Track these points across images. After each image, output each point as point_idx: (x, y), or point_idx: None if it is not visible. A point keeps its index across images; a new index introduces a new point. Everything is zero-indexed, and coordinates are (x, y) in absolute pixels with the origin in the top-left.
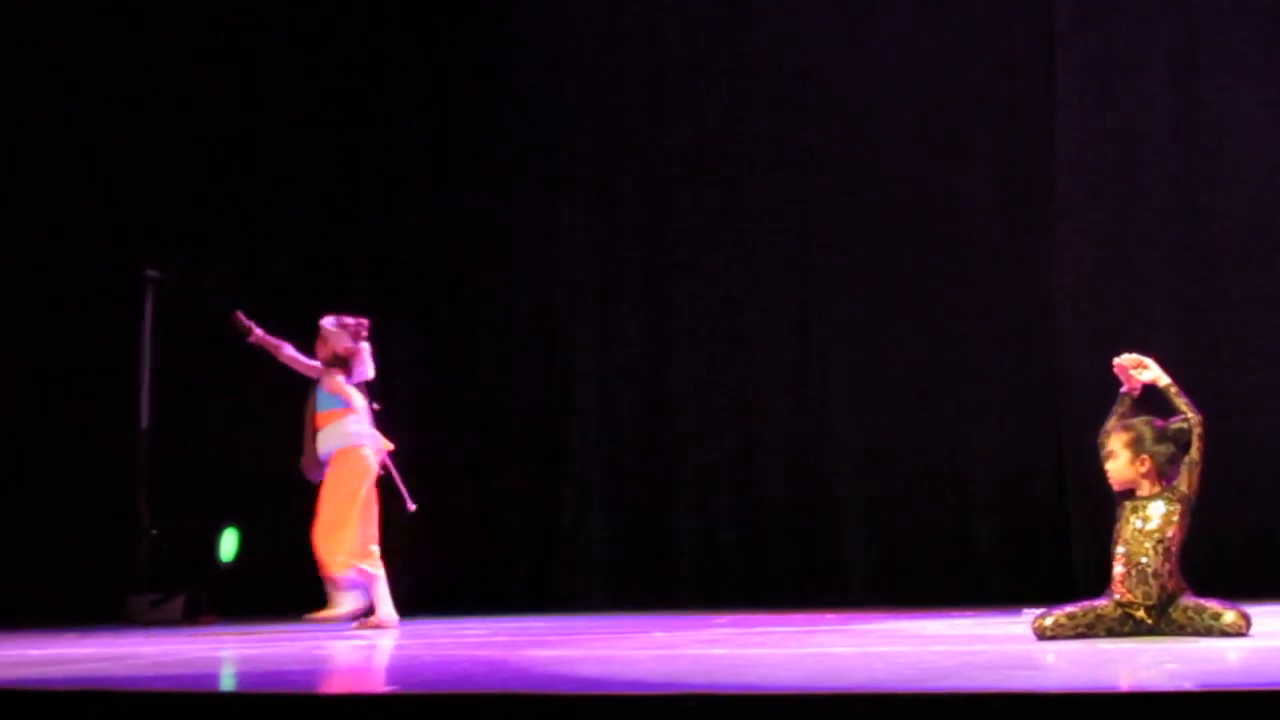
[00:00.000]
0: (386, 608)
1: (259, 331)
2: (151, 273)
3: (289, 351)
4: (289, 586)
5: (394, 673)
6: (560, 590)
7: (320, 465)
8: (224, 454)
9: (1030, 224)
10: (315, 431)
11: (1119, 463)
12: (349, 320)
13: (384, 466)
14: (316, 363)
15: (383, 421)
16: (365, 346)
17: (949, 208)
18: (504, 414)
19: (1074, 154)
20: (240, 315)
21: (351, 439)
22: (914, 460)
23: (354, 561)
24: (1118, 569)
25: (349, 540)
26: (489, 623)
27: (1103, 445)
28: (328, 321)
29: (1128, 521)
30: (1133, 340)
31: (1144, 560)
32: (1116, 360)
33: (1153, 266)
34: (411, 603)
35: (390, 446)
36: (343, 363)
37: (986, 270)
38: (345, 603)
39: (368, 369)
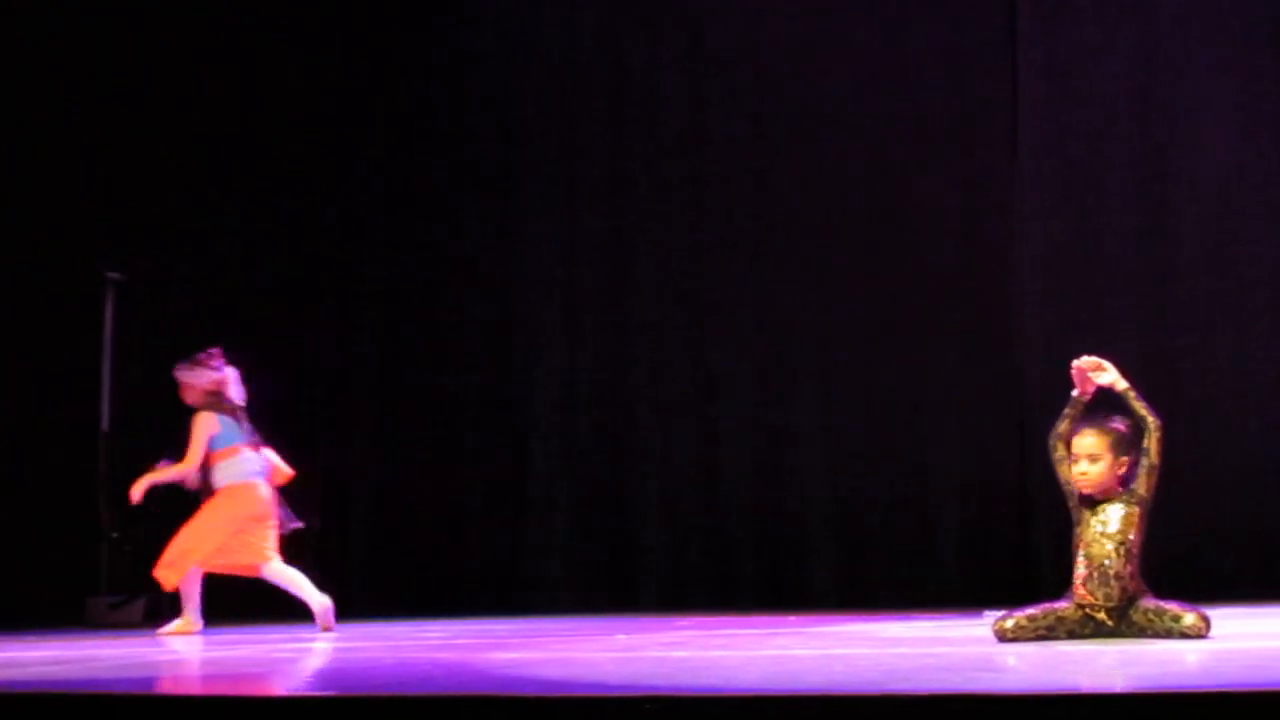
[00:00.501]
0: (318, 598)
1: (143, 487)
2: (112, 274)
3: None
4: (250, 590)
5: (354, 675)
6: (523, 593)
7: (210, 489)
8: (185, 457)
9: (992, 227)
10: (210, 466)
11: (1101, 466)
12: (198, 355)
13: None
14: (190, 461)
15: (275, 445)
16: (229, 371)
17: (911, 211)
18: (466, 416)
19: (1036, 156)
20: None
21: (245, 477)
22: (876, 463)
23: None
24: (1079, 571)
25: (193, 560)
26: (450, 625)
27: (1053, 449)
28: (180, 372)
29: (1088, 524)
30: (1095, 343)
31: (1106, 562)
32: (1075, 363)
33: (1115, 269)
34: (368, 604)
35: (288, 473)
36: (216, 396)
37: (948, 274)
38: (196, 617)
39: (236, 392)
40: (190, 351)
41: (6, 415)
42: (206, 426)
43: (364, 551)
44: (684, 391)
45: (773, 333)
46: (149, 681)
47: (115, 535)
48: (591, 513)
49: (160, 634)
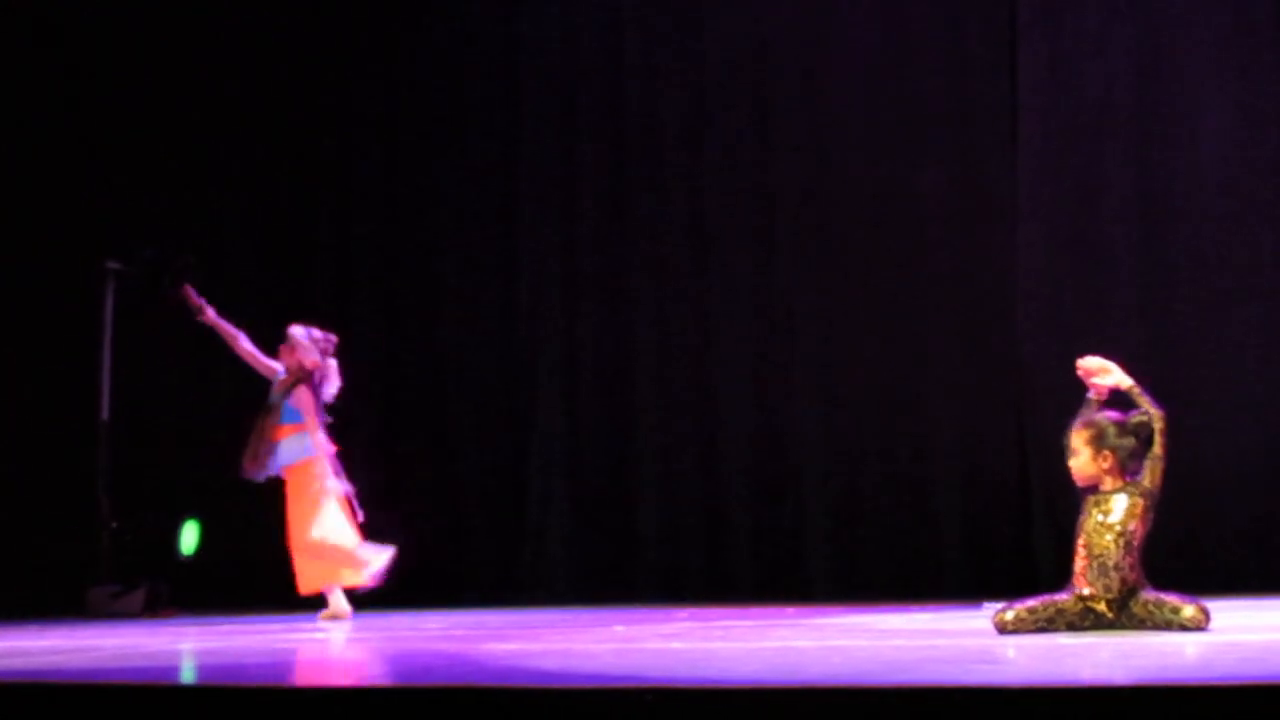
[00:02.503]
0: (340, 600)
1: (210, 312)
2: (112, 264)
3: (246, 345)
4: (250, 579)
5: (354, 666)
6: (522, 584)
7: (263, 467)
8: (185, 446)
9: (991, 219)
10: (272, 441)
11: (1081, 459)
12: (318, 334)
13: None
14: (276, 365)
15: (332, 429)
16: (332, 363)
17: (910, 203)
18: (466, 407)
19: (1035, 149)
20: (191, 291)
21: (308, 451)
22: (876, 454)
23: (339, 572)
24: (1079, 562)
25: (329, 551)
26: (449, 616)
27: (1068, 445)
28: (298, 331)
29: (1090, 515)
30: (1093, 335)
31: (1104, 552)
32: (1080, 362)
33: (1114, 261)
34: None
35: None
36: (308, 376)
37: (948, 266)
38: (343, 600)
39: (334, 386)
40: (187, 345)
41: (6, 405)
42: (310, 401)
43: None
44: (683, 382)
45: (772, 325)
46: (150, 672)
47: (115, 525)
48: (590, 504)
49: (320, 620)
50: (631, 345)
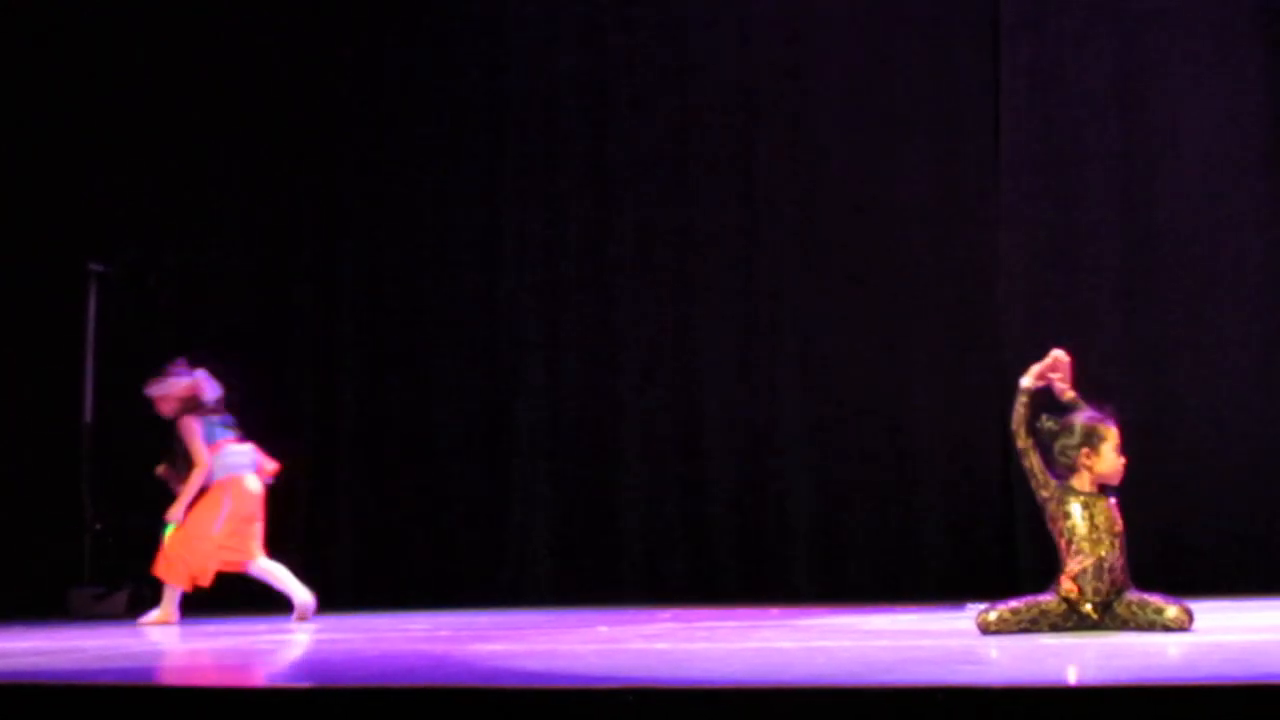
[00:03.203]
0: (302, 593)
1: (181, 509)
2: (95, 266)
3: (201, 480)
4: (233, 581)
5: (337, 667)
6: (505, 585)
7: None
8: (168, 448)
9: (974, 220)
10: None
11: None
12: (164, 368)
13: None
14: (200, 463)
15: (259, 438)
16: (198, 374)
17: (894, 205)
18: (449, 408)
19: (1018, 151)
20: (169, 473)
21: (232, 470)
22: (859, 454)
23: (197, 578)
24: (1073, 564)
25: (199, 559)
26: (433, 617)
27: (1019, 437)
28: (151, 389)
29: (1079, 517)
30: (1077, 337)
31: (1104, 554)
32: (1058, 354)
33: (1098, 264)
34: (351, 596)
35: (273, 467)
36: (188, 403)
37: (931, 267)
38: (174, 608)
39: (211, 389)
40: (170, 346)
41: None
42: (194, 429)
43: (348, 543)
44: (666, 384)
45: (757, 326)
46: (132, 672)
47: (98, 527)
48: (574, 505)
49: (140, 623)
50: (615, 347)
